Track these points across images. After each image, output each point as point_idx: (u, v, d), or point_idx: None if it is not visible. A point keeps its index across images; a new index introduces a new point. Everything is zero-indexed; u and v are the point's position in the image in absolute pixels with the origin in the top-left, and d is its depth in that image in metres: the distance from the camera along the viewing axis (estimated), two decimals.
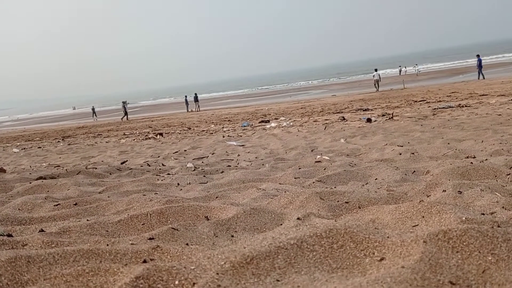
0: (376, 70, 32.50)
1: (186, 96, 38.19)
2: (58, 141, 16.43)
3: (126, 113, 33.00)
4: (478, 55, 30.88)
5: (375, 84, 31.48)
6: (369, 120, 11.55)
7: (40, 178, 4.95)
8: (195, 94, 37.23)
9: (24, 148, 14.03)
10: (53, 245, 2.14)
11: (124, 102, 34.40)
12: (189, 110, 35.29)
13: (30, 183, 4.43)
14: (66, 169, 5.58)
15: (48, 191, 4.14)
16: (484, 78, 28.47)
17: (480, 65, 29.58)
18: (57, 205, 3.27)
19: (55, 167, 7.07)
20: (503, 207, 2.40)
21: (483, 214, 2.23)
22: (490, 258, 1.61)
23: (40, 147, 13.97)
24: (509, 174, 3.32)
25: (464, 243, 1.68)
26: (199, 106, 35.76)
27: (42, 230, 2.44)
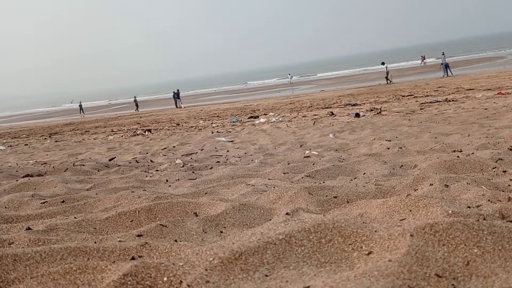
0: (383, 63, 31.32)
1: (174, 92, 37.92)
2: (45, 138, 16.25)
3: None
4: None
5: (386, 77, 30.23)
6: (357, 115, 11.61)
7: (27, 175, 4.90)
8: (177, 90, 37.07)
9: (11, 146, 13.86)
10: (40, 243, 2.12)
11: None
12: (178, 106, 35.27)
13: (17, 180, 4.38)
14: (53, 166, 5.52)
15: (35, 189, 4.10)
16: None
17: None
18: (44, 202, 3.24)
19: (42, 164, 6.99)
20: (489, 200, 2.43)
21: (469, 207, 2.26)
22: (475, 250, 1.63)
23: (27, 144, 13.80)
24: (495, 167, 3.36)
25: (450, 236, 1.70)
26: (181, 102, 35.66)
27: (28, 228, 2.42)
